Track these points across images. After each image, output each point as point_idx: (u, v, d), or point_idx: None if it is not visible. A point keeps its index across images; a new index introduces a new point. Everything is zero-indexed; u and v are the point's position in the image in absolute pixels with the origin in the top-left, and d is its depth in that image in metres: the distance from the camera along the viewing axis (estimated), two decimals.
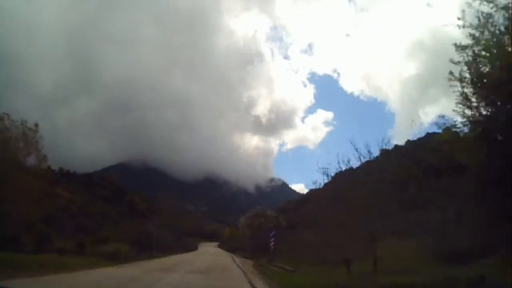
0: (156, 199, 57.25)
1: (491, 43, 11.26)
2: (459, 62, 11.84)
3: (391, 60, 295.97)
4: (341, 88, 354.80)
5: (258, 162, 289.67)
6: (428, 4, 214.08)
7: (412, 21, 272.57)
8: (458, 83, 11.91)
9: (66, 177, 55.09)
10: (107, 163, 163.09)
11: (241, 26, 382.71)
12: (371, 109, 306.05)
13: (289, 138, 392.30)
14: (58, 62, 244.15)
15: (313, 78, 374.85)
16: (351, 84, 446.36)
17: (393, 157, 20.25)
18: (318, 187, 20.12)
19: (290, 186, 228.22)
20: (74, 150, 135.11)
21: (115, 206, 49.25)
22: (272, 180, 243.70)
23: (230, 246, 61.75)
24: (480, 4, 11.34)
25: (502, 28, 11.21)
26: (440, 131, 13.50)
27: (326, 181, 18.83)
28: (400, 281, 9.95)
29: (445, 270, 10.61)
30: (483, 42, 11.40)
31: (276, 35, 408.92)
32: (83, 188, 53.25)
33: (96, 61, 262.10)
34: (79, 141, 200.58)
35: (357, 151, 15.24)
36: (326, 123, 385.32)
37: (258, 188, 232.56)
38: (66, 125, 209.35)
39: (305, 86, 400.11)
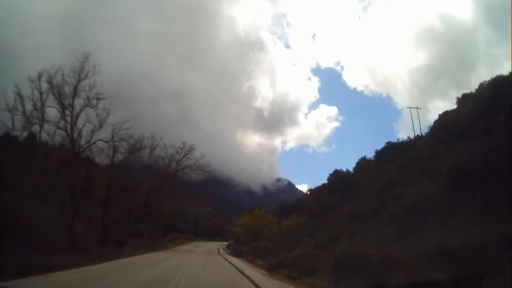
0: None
1: None
2: None
3: (398, 51, 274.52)
4: (345, 82, 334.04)
5: (262, 160, 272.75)
6: None
7: (421, 7, 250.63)
8: None
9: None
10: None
11: (242, 14, 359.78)
12: (377, 103, 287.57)
13: (292, 136, 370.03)
14: (51, 52, 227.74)
15: (317, 71, 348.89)
16: (355, 76, 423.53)
17: None
18: None
19: (296, 186, 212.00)
20: None
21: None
22: (279, 180, 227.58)
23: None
24: None
25: None
26: None
27: None
28: None
29: None
30: None
31: (278, 23, 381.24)
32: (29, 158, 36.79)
33: (91, 51, 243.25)
34: None
35: None
36: (329, 119, 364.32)
37: (264, 188, 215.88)
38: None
39: (309, 79, 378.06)
